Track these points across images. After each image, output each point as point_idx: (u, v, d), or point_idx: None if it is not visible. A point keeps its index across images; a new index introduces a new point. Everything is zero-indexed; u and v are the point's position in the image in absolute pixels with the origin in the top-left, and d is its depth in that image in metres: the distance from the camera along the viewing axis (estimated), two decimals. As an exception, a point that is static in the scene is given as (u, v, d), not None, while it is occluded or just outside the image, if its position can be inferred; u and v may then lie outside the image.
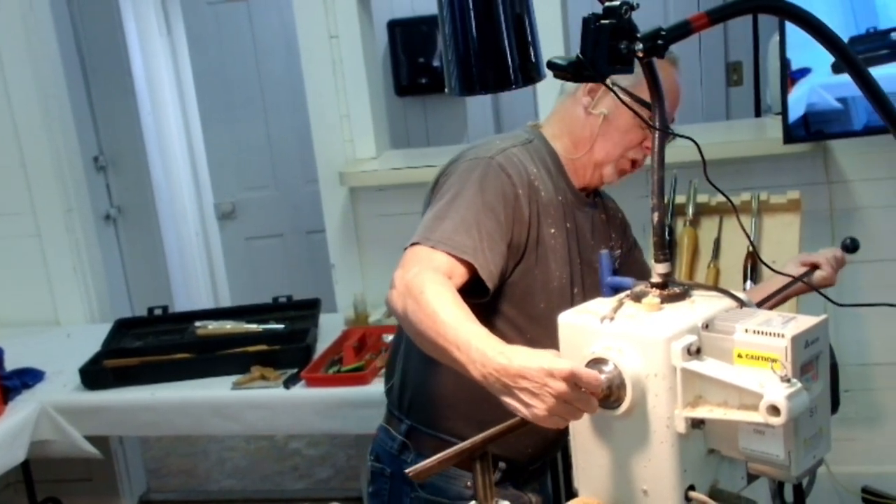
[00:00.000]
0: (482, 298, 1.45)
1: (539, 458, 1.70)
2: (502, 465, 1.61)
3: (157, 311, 3.13)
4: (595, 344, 1.13)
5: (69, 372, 2.76)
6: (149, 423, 2.66)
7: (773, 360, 1.01)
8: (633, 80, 1.46)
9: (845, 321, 2.79)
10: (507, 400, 1.14)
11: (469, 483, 1.54)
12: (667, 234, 1.31)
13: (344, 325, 2.95)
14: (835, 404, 1.73)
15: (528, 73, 1.22)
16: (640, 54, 1.07)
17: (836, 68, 2.41)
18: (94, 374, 2.68)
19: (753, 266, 2.12)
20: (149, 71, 4.80)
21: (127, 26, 4.51)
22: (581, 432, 1.20)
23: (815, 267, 1.74)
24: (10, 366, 2.77)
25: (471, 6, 1.19)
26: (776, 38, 2.53)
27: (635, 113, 1.44)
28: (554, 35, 2.81)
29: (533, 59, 1.23)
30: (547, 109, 1.74)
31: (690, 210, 2.26)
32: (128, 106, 4.43)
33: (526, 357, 1.13)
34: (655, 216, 1.18)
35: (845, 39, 1.12)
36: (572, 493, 1.26)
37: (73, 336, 3.22)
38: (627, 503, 1.16)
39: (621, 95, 1.41)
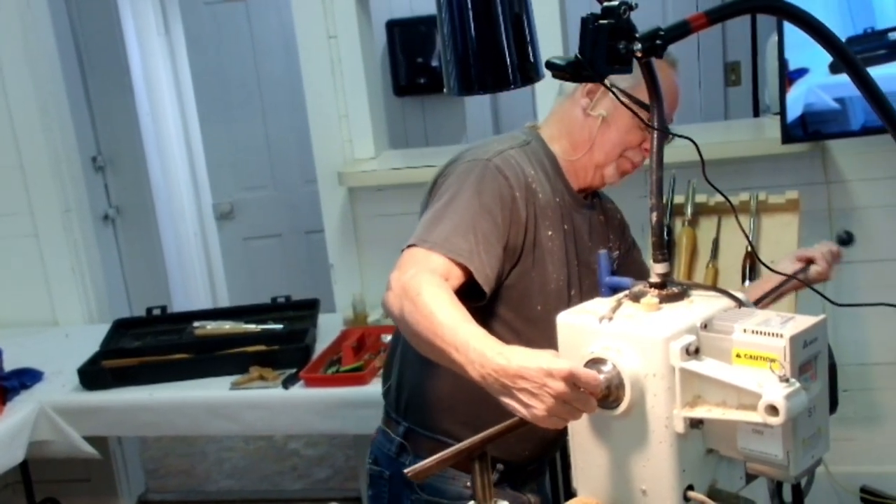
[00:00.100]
0: (479, 301, 1.45)
1: (537, 459, 1.70)
2: (500, 466, 1.61)
3: (156, 312, 3.12)
4: (594, 344, 1.13)
5: (68, 372, 2.75)
6: (147, 423, 2.66)
7: (772, 360, 1.01)
8: (632, 82, 1.45)
9: (844, 321, 2.79)
10: (506, 400, 1.14)
11: (469, 483, 1.54)
12: (665, 234, 1.31)
13: (343, 325, 2.95)
14: (833, 404, 1.73)
15: (527, 73, 1.22)
16: (639, 54, 1.07)
17: (834, 68, 2.42)
18: (93, 375, 2.68)
19: (752, 266, 2.12)
20: (147, 71, 4.80)
21: (125, 26, 4.51)
22: (580, 432, 1.20)
23: (810, 262, 1.73)
24: (8, 366, 2.77)
25: (469, 6, 1.19)
26: (774, 38, 2.54)
27: (634, 113, 1.43)
28: (553, 35, 2.81)
29: (531, 59, 1.23)
30: (546, 109, 1.74)
31: (689, 210, 2.25)
32: (126, 106, 4.43)
33: (525, 357, 1.13)
34: (654, 216, 1.18)
35: (843, 40, 1.12)
36: (571, 493, 1.26)
37: (72, 336, 3.22)
38: (626, 503, 1.16)
39: (620, 97, 1.41)
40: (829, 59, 2.30)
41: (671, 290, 1.17)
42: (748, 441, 1.08)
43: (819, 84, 2.47)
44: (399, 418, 1.65)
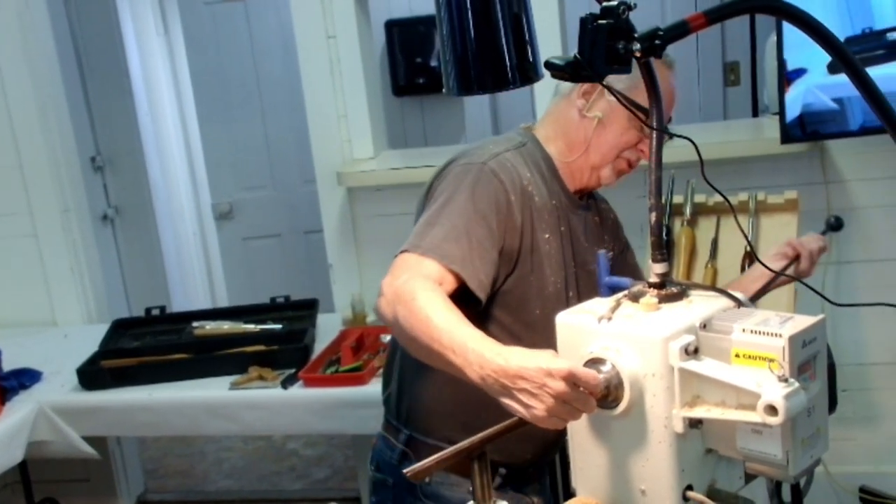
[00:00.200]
0: (475, 307, 1.44)
1: (539, 461, 1.70)
2: (502, 470, 1.61)
3: (155, 312, 3.12)
4: (593, 344, 1.13)
5: (66, 372, 2.75)
6: (146, 423, 2.66)
7: (771, 360, 1.01)
8: (628, 83, 1.45)
9: (843, 321, 2.80)
10: (506, 401, 1.14)
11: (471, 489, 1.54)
12: (664, 234, 1.31)
13: (342, 325, 2.95)
14: (832, 404, 1.73)
15: (526, 73, 1.22)
16: (638, 54, 1.07)
17: (832, 69, 2.42)
18: (92, 375, 2.67)
19: (751, 266, 2.12)
20: (146, 71, 4.79)
21: (124, 26, 4.50)
22: (579, 432, 1.20)
23: (797, 257, 1.72)
24: (7, 366, 2.77)
25: (468, 6, 1.19)
26: (773, 38, 2.54)
27: (633, 113, 1.43)
28: (552, 35, 2.81)
29: (531, 59, 1.23)
30: (544, 109, 1.74)
31: (688, 210, 2.25)
32: (125, 106, 4.43)
33: (524, 357, 1.13)
34: (653, 216, 1.18)
35: (841, 40, 1.12)
36: (570, 493, 1.26)
37: (71, 336, 3.21)
38: (625, 503, 1.16)
39: (618, 97, 1.41)
40: (827, 59, 2.30)
41: (670, 290, 1.17)
42: (747, 441, 1.08)
43: (817, 84, 2.47)
44: (400, 426, 1.64)
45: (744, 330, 1.06)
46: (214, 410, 2.60)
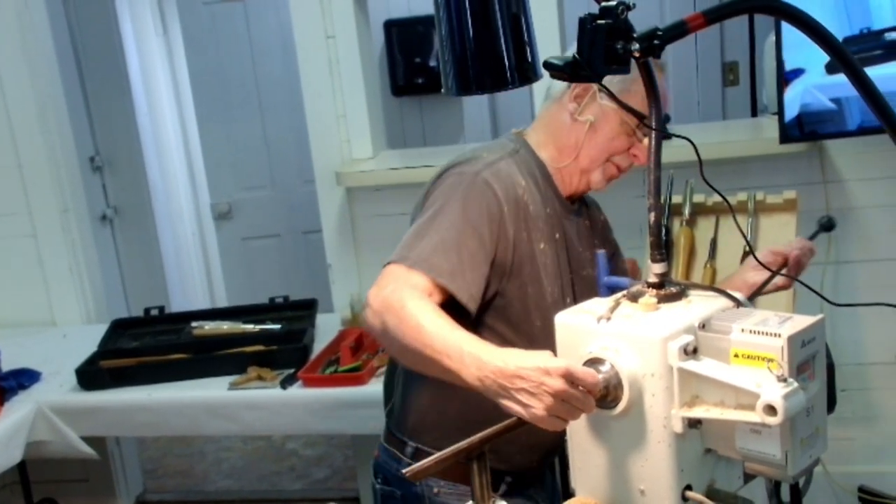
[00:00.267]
0: (465, 318, 1.41)
1: (543, 464, 1.70)
2: (508, 479, 1.60)
3: (154, 312, 3.12)
4: (592, 344, 1.13)
5: (65, 372, 2.75)
6: (145, 423, 2.66)
7: (770, 360, 1.01)
8: (619, 87, 1.44)
9: (842, 321, 2.80)
10: (505, 402, 1.14)
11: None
12: (663, 234, 1.31)
13: (341, 325, 2.95)
14: (831, 404, 1.73)
15: (525, 74, 1.22)
16: (637, 54, 1.07)
17: (830, 69, 2.42)
18: (91, 375, 2.67)
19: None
20: (145, 71, 4.79)
21: (123, 26, 4.50)
22: (578, 432, 1.20)
23: (785, 263, 1.68)
24: (6, 366, 2.77)
25: (467, 6, 1.19)
26: (772, 38, 2.54)
27: (633, 112, 1.43)
28: (550, 35, 2.81)
29: (529, 60, 1.23)
30: (544, 109, 1.73)
31: (687, 210, 2.25)
32: (124, 106, 4.43)
33: (521, 357, 1.13)
34: (652, 216, 1.18)
35: (840, 40, 1.12)
36: (569, 493, 1.26)
37: (70, 336, 3.21)
38: (624, 503, 1.16)
39: (610, 101, 1.40)
40: (825, 59, 2.30)
41: (669, 290, 1.17)
42: (746, 441, 1.08)
43: (815, 84, 2.47)
44: (406, 439, 1.62)
45: (743, 330, 1.06)
46: (214, 410, 2.60)
